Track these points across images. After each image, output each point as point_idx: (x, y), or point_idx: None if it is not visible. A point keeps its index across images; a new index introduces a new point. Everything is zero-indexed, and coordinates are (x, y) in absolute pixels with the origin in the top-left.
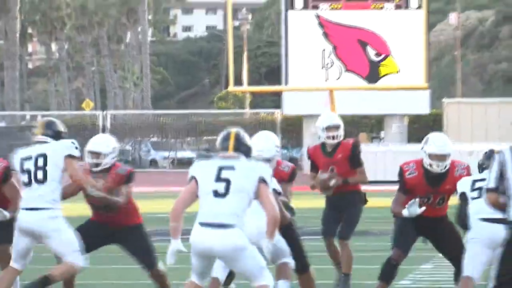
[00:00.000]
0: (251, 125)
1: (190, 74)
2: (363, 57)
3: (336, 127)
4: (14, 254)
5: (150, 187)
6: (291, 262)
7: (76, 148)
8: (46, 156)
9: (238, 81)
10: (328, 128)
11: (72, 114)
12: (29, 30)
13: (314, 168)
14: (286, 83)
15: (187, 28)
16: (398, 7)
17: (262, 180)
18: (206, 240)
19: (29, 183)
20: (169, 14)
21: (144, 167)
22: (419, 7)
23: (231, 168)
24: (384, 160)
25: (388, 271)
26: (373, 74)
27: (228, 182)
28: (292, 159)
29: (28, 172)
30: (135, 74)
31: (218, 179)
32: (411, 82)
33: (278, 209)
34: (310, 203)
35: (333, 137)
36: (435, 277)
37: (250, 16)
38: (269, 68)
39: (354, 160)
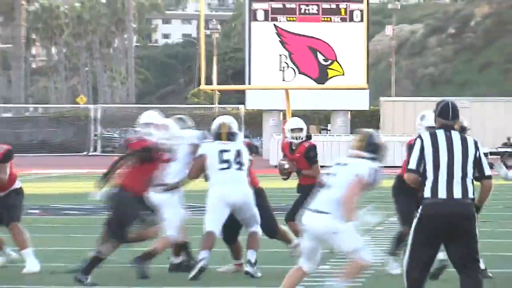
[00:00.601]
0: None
1: (168, 75)
2: (314, 61)
3: (299, 129)
4: None
5: None
6: (259, 231)
7: None
8: None
9: (208, 81)
10: (293, 130)
11: (68, 107)
12: (33, 36)
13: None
14: (249, 83)
15: (166, 36)
16: (343, 20)
17: None
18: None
19: None
20: (151, 24)
21: None
22: (361, 20)
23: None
24: (331, 149)
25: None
26: (322, 76)
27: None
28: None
29: None
30: (122, 74)
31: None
32: (353, 83)
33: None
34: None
35: (296, 138)
36: None
37: (219, 26)
38: (235, 70)
39: (308, 158)
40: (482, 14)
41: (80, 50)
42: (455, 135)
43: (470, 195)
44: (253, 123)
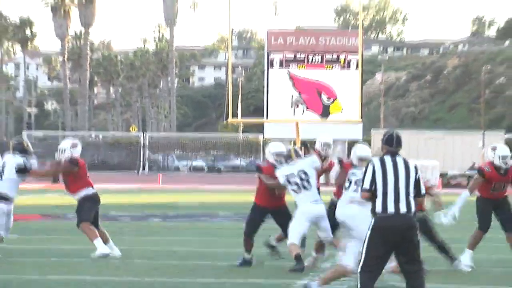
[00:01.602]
0: (243, 144)
1: (202, 110)
2: (319, 100)
3: (281, 154)
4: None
5: (174, 185)
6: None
7: None
8: None
9: (234, 115)
10: (276, 154)
11: (122, 135)
12: (95, 78)
13: None
14: (267, 117)
15: (201, 79)
16: (342, 68)
17: None
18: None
19: None
20: (189, 69)
21: (170, 171)
22: (356, 68)
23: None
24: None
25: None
26: (325, 112)
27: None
28: None
29: None
30: (166, 110)
31: None
32: (350, 118)
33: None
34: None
35: (280, 162)
36: None
37: (243, 72)
38: (256, 107)
39: None
40: (452, 65)
41: (133, 90)
42: (400, 160)
43: (413, 209)
44: None
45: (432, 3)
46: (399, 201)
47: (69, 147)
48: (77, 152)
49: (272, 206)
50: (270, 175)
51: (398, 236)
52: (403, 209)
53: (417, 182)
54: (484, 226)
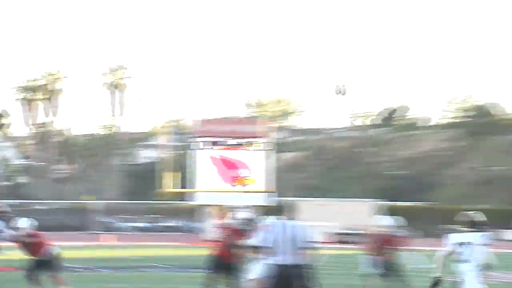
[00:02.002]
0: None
1: (144, 181)
2: (237, 174)
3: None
4: None
5: (124, 242)
6: None
7: None
8: None
9: (169, 186)
10: (243, 220)
11: (78, 202)
12: (59, 157)
13: None
14: (195, 187)
15: (145, 157)
16: (255, 148)
17: None
18: None
19: None
20: (134, 149)
21: (118, 231)
22: (263, 149)
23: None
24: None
25: None
26: (241, 183)
27: None
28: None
29: None
30: (113, 181)
31: None
32: (263, 188)
33: None
34: None
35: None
36: None
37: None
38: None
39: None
40: (339, 146)
41: (88, 166)
42: (290, 223)
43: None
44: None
45: (322, 98)
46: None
47: (24, 226)
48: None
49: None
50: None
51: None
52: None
53: (303, 239)
54: None
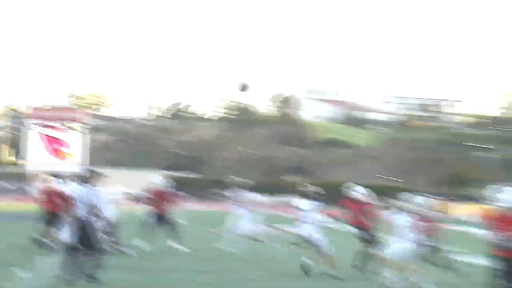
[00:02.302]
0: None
1: None
2: (60, 149)
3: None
4: None
5: None
6: None
7: None
8: None
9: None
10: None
11: None
12: None
13: None
14: (27, 159)
15: None
16: (75, 130)
17: None
18: None
19: None
20: None
21: None
22: (80, 131)
23: None
24: None
25: None
26: (62, 157)
27: None
28: None
29: None
30: None
31: None
32: (78, 162)
33: None
34: None
35: None
36: None
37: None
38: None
39: None
40: (143, 133)
41: None
42: (90, 187)
43: None
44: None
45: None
46: None
47: None
48: None
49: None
50: None
51: None
52: None
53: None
54: None
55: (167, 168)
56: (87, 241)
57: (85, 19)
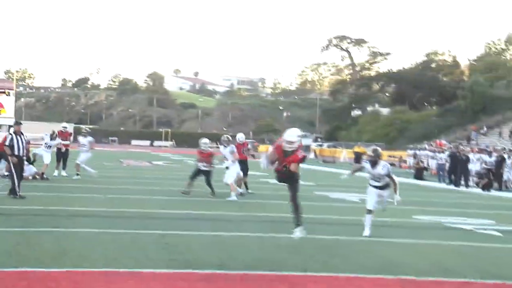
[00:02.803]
0: None
1: None
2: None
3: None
4: None
5: None
6: None
7: None
8: None
9: None
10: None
11: None
12: None
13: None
14: None
15: None
16: (7, 95)
17: None
18: None
19: None
20: None
21: None
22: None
23: None
24: None
25: None
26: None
27: None
28: None
29: None
30: None
31: None
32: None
33: None
34: None
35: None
36: None
37: None
38: None
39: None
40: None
41: None
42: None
43: None
44: None
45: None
46: None
47: None
48: None
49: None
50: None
51: None
52: None
53: None
54: None
55: (76, 122)
56: (21, 171)
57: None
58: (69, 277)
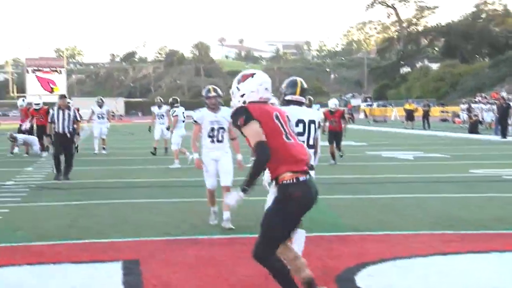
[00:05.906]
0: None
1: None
2: (50, 87)
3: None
4: None
5: None
6: None
7: None
8: None
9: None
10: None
11: None
12: None
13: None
14: (27, 92)
15: None
16: (59, 73)
17: None
18: None
19: None
20: None
21: None
22: (60, 73)
23: None
24: None
25: None
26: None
27: None
28: None
29: None
30: None
31: None
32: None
33: None
34: None
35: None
36: None
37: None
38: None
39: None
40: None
41: None
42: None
43: None
44: None
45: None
46: None
47: None
48: None
49: None
50: None
51: None
52: None
53: None
54: None
55: (126, 96)
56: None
57: None
58: (130, 247)
